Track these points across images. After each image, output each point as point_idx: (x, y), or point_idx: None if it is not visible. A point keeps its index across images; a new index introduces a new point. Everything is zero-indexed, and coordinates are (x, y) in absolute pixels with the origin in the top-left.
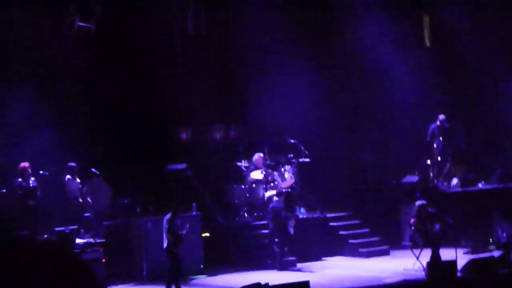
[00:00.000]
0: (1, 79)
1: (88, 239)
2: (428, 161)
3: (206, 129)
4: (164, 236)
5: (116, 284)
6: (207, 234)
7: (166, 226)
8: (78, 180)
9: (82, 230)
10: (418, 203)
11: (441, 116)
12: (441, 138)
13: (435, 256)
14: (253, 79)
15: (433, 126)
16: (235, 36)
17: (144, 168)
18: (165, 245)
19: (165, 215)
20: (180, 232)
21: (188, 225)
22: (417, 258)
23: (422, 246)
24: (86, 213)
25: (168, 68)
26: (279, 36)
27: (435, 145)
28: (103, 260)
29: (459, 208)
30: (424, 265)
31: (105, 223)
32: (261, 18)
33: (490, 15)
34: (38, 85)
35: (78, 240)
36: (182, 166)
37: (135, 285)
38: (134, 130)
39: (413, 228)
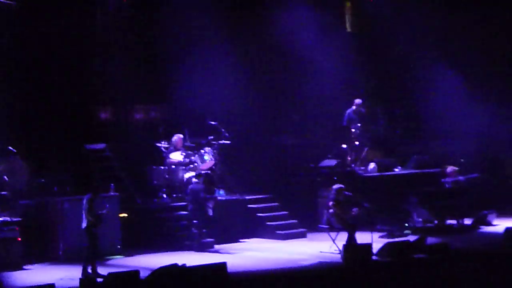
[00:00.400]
0: None
1: (4, 217)
2: (345, 146)
3: (126, 109)
4: (84, 217)
5: (32, 263)
6: (125, 215)
7: (86, 206)
8: None
9: None
10: (335, 186)
11: (357, 101)
12: (358, 123)
13: (351, 239)
14: (175, 60)
15: (349, 110)
16: (159, 17)
17: (62, 147)
18: (84, 225)
19: (83, 195)
20: (100, 212)
21: (108, 206)
22: (334, 241)
23: (338, 229)
24: (2, 191)
25: (90, 47)
26: (203, 19)
27: (352, 130)
28: (19, 239)
29: (376, 192)
30: (340, 248)
31: (22, 202)
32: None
33: (412, 2)
34: None
35: None
36: (101, 146)
37: (51, 264)
38: (54, 109)
39: (330, 211)
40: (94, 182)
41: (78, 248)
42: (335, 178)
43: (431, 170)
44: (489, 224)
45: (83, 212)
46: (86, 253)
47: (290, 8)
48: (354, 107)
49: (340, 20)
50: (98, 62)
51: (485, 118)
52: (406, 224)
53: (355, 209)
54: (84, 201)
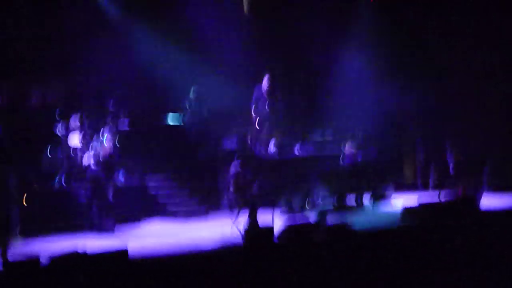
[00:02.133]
0: None
1: None
2: (247, 125)
3: (22, 90)
4: None
5: None
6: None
7: None
8: None
9: None
10: (236, 166)
11: (265, 80)
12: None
13: (253, 221)
14: (74, 40)
15: (257, 87)
16: None
17: None
18: None
19: None
20: None
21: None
22: (234, 222)
23: (239, 210)
24: None
25: None
26: None
27: (253, 108)
28: None
29: (277, 171)
30: (241, 230)
31: None
32: None
33: None
34: None
35: None
36: None
37: None
38: None
39: (230, 191)
40: None
41: None
42: (235, 157)
43: (331, 150)
44: (387, 199)
45: None
46: None
47: None
48: (261, 85)
49: (238, 2)
50: None
51: (389, 94)
52: (307, 205)
53: (255, 189)
54: None
